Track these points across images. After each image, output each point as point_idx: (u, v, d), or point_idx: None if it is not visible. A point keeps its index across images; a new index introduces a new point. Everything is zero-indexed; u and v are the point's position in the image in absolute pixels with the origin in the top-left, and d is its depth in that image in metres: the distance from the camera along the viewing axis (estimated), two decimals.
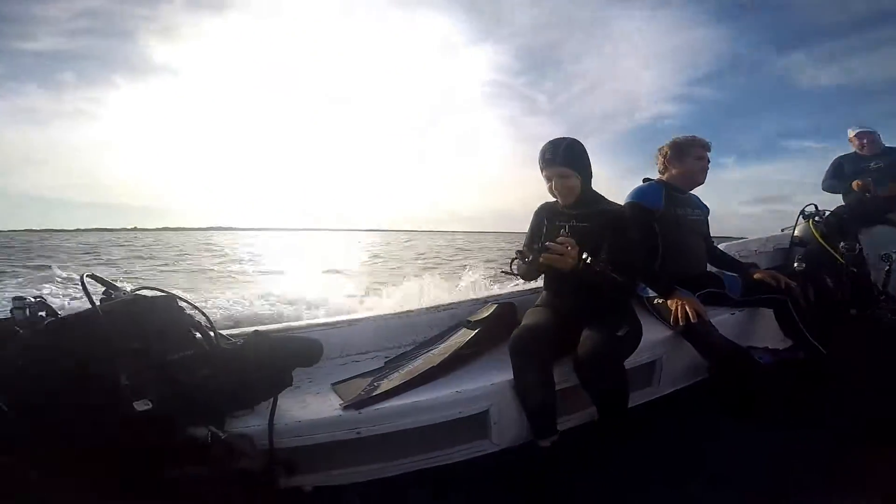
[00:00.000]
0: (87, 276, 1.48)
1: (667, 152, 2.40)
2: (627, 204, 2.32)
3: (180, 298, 1.59)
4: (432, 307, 2.36)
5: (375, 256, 23.62)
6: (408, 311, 2.30)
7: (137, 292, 1.56)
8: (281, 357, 1.62)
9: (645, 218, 2.26)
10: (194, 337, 1.54)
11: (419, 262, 20.30)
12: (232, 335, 1.69)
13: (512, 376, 1.71)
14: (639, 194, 2.36)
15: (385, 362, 2.02)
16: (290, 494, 1.55)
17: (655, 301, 2.24)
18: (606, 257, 1.78)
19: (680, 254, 2.33)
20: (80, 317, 1.44)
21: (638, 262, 1.96)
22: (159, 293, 1.56)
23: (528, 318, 1.94)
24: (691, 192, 2.49)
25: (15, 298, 1.44)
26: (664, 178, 2.44)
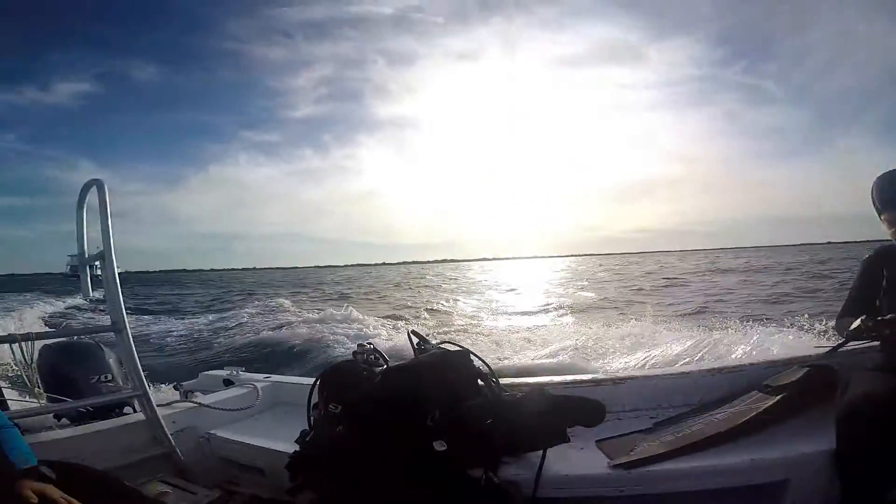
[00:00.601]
0: (411, 331, 1.86)
1: None
2: None
3: (472, 353, 1.84)
4: (714, 369, 2.09)
5: (639, 289, 21.06)
6: (682, 373, 2.10)
7: (441, 346, 1.88)
8: (560, 414, 1.67)
9: None
10: (480, 386, 1.77)
11: (686, 303, 15.72)
12: (512, 384, 1.83)
13: (821, 447, 1.49)
14: None
15: (654, 423, 1.89)
16: None
17: None
18: None
19: None
20: (405, 366, 1.85)
21: None
22: (457, 348, 1.86)
23: (867, 386, 1.52)
24: None
25: (359, 345, 1.94)
26: None
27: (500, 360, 7.44)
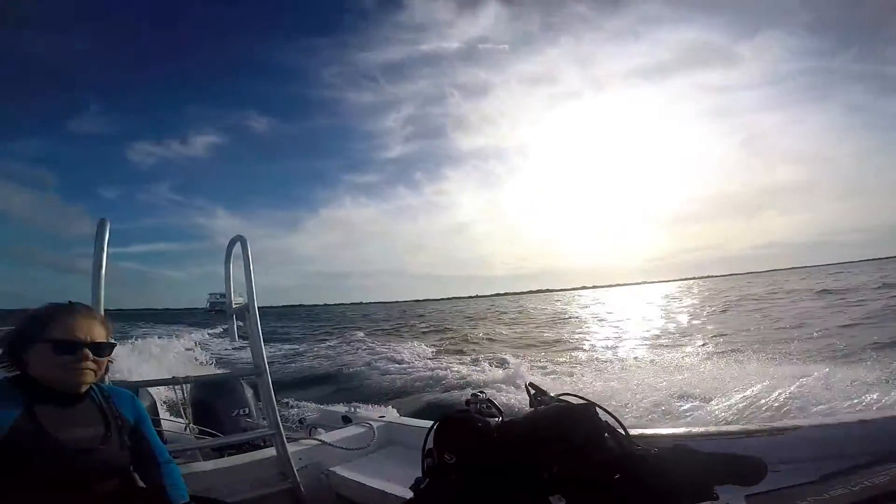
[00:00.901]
0: (528, 384, 1.78)
1: None
2: None
3: (597, 406, 1.70)
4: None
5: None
6: (860, 420, 1.86)
7: (562, 398, 1.76)
8: (708, 472, 1.47)
9: None
10: (607, 440, 1.60)
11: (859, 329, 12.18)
12: (645, 436, 1.72)
13: None
14: None
15: (820, 476, 1.67)
16: None
17: None
18: None
19: None
20: (522, 420, 1.76)
21: None
22: (581, 401, 1.72)
23: None
24: None
25: (472, 394, 1.89)
26: None
27: (639, 414, 6.58)
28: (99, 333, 1.30)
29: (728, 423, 5.15)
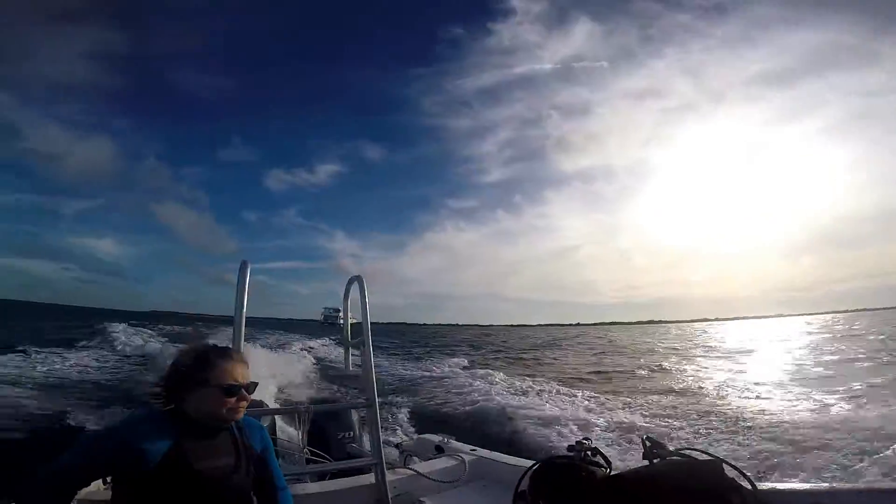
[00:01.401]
0: (645, 437, 1.60)
1: None
2: None
3: (726, 463, 1.47)
4: None
5: None
6: None
7: (683, 452, 1.57)
8: None
9: None
10: (733, 499, 1.42)
11: None
12: (776, 491, 1.54)
13: None
14: None
15: None
16: None
17: None
18: None
19: None
20: (635, 472, 1.58)
21: None
22: (706, 457, 1.54)
23: None
24: None
25: (577, 441, 1.75)
26: None
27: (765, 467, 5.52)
28: (248, 375, 1.45)
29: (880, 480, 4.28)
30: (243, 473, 1.42)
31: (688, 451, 1.63)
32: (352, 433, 3.13)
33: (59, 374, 12.00)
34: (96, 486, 1.94)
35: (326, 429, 3.08)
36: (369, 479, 2.35)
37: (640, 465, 1.70)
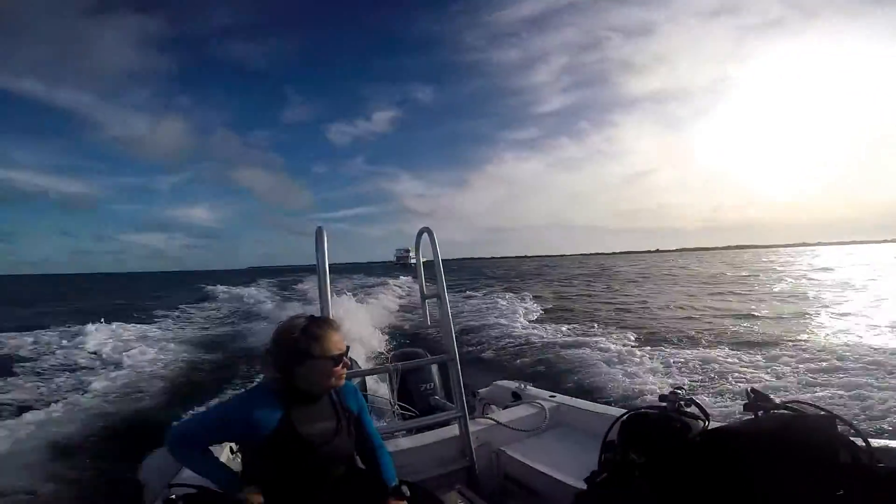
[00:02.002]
0: (750, 389, 1.47)
1: None
2: None
3: (839, 418, 1.36)
4: None
5: None
6: None
7: (791, 406, 1.45)
8: None
9: None
10: (840, 455, 1.28)
11: None
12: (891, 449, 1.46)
13: None
14: None
15: None
16: None
17: None
18: None
19: None
20: (737, 426, 1.45)
21: None
22: (819, 411, 1.40)
23: None
24: None
25: (671, 391, 1.62)
26: None
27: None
28: (343, 341, 1.52)
29: None
30: (344, 435, 1.53)
31: (796, 405, 1.47)
32: (432, 384, 3.23)
33: (190, 333, 14.42)
34: (226, 457, 2.14)
35: (409, 381, 3.21)
36: (453, 430, 2.41)
37: (741, 418, 1.56)
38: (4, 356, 10.32)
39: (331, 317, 1.99)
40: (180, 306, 21.12)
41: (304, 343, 1.44)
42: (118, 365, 9.38)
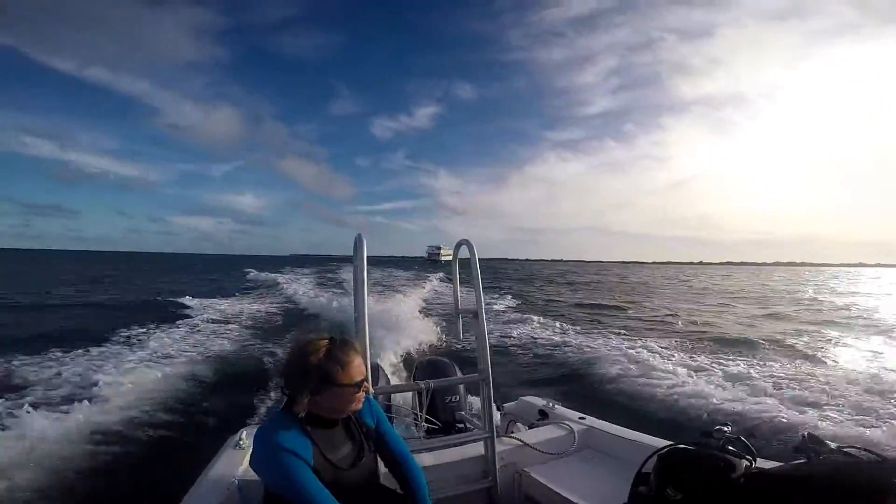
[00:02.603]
0: (806, 434, 1.37)
1: None
2: None
3: None
4: None
5: None
6: None
7: (846, 451, 1.38)
8: None
9: None
10: None
11: None
12: None
13: None
14: None
15: None
16: None
17: None
18: None
19: None
20: (785, 469, 1.38)
21: None
22: (873, 456, 1.32)
23: None
24: None
25: (717, 428, 1.54)
26: None
27: None
28: (364, 364, 1.46)
29: None
30: (366, 453, 1.47)
31: (853, 450, 1.38)
32: (457, 397, 3.07)
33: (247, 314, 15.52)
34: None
35: (434, 392, 3.09)
36: (477, 448, 2.31)
37: (791, 461, 1.48)
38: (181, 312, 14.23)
39: (365, 324, 1.95)
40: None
41: (328, 368, 1.37)
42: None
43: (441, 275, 34.57)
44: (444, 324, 11.91)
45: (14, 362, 7.51)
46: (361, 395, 1.43)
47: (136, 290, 23.99)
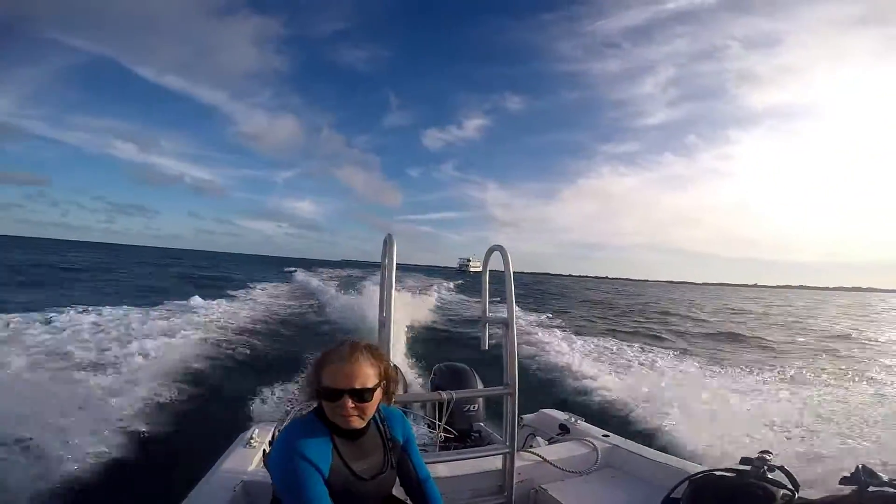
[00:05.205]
0: (861, 466, 1.30)
1: None
2: None
3: None
4: None
5: None
6: None
7: None
8: None
9: None
10: None
11: None
12: None
13: None
14: None
15: None
16: None
17: None
18: None
19: None
20: (826, 502, 1.30)
21: None
22: None
23: None
24: None
25: (758, 456, 1.46)
26: None
27: None
28: (363, 378, 1.28)
29: None
30: (389, 467, 1.41)
31: None
32: (476, 406, 2.98)
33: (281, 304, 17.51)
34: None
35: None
36: (494, 462, 2.24)
37: (836, 493, 1.38)
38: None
39: (390, 329, 1.89)
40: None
41: (315, 373, 1.30)
42: None
43: (453, 284, 34.38)
44: (451, 325, 12.23)
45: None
46: (349, 405, 1.26)
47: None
